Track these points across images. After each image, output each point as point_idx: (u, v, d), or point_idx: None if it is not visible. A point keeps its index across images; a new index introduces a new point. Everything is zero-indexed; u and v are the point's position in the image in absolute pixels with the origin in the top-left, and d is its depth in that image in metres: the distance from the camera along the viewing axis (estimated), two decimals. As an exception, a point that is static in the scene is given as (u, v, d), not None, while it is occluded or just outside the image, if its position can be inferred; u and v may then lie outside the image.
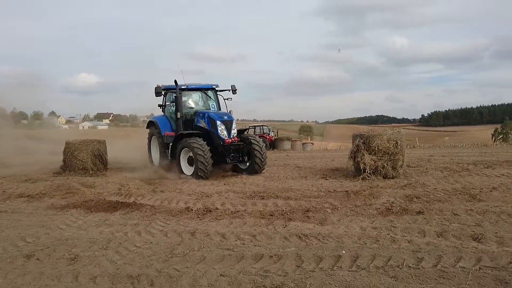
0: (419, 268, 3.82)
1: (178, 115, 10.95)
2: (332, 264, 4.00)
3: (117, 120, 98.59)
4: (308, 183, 9.11)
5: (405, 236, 4.86)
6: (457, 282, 3.47)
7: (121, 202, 7.48)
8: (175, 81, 11.08)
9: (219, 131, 10.50)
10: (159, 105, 12.14)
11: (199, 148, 9.86)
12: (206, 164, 9.88)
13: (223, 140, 10.46)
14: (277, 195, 7.71)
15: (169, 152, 10.98)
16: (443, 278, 3.57)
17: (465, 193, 7.30)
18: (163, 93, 11.48)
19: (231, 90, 11.99)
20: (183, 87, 11.27)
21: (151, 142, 12.24)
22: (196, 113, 11.32)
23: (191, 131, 10.88)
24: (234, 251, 4.48)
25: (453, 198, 7.02)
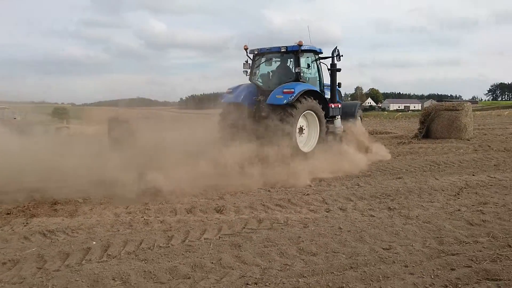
0: (168, 247, 4.01)
1: None
2: (80, 259, 3.74)
3: None
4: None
5: (158, 217, 5.02)
6: (200, 254, 3.81)
7: None
8: None
9: None
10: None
11: None
12: None
13: None
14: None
15: None
16: (189, 252, 3.86)
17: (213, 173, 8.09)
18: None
19: None
20: None
21: None
22: None
23: None
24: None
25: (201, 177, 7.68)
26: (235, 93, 9.39)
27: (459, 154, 9.63)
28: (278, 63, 9.99)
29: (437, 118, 12.37)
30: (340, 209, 5.27)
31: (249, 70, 9.75)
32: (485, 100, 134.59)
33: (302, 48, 9.13)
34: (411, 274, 3.25)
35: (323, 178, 7.22)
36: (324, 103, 9.43)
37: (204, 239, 4.22)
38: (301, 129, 8.86)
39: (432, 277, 3.19)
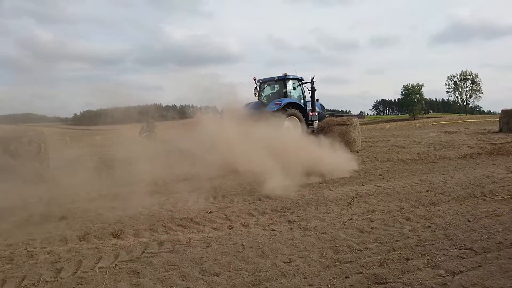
0: (57, 280, 3.62)
1: None
2: None
3: None
4: None
5: (44, 248, 4.52)
6: (94, 285, 3.50)
7: None
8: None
9: None
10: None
11: None
12: None
13: None
14: None
15: None
16: (81, 284, 3.52)
17: (108, 194, 7.62)
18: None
19: None
20: None
21: None
22: None
23: None
24: None
25: (98, 198, 7.19)
26: (248, 107, 14.77)
27: (350, 165, 10.43)
28: (274, 87, 15.50)
29: (330, 132, 13.31)
30: (243, 225, 5.31)
31: (257, 93, 15.71)
32: (370, 115, 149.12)
33: (288, 77, 14.76)
34: (310, 285, 3.37)
35: (225, 195, 7.24)
36: (304, 112, 14.60)
37: (99, 268, 3.89)
38: (288, 129, 13.34)
39: (329, 286, 3.35)
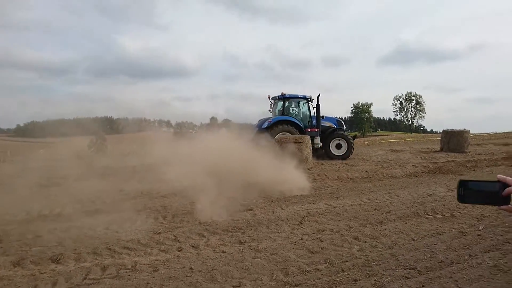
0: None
1: None
2: None
3: None
4: None
5: (-28, 276, 4.14)
6: (27, 317, 3.24)
7: None
8: None
9: None
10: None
11: None
12: None
13: None
14: None
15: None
16: (12, 317, 3.25)
17: (50, 214, 7.19)
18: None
19: None
20: None
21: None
22: None
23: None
24: None
25: (38, 218, 6.75)
26: (260, 122, 16.74)
27: (302, 183, 10.56)
28: (277, 105, 16.97)
29: (284, 149, 13.44)
30: (193, 246, 5.17)
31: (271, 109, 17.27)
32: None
33: (285, 96, 16.45)
34: (259, 311, 3.32)
35: (176, 214, 7.05)
36: (299, 128, 15.78)
37: (33, 297, 3.62)
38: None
39: (278, 311, 3.31)
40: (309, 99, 16.74)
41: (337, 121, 17.58)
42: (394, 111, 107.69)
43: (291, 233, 5.74)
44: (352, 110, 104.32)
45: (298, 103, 16.79)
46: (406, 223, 6.19)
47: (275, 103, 17.22)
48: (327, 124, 17.00)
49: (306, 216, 6.73)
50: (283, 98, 16.50)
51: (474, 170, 12.61)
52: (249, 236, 5.58)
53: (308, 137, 14.14)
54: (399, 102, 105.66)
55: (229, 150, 11.20)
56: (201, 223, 6.43)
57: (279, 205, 7.73)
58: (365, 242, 5.25)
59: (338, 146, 16.49)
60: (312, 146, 14.97)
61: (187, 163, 11.14)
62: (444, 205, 7.39)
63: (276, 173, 9.77)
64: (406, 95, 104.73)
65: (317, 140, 16.18)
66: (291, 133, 15.12)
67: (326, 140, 16.53)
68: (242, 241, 5.38)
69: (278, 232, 5.79)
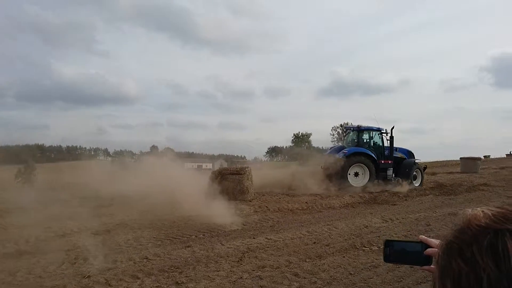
0: None
1: None
2: None
3: None
4: None
5: None
6: None
7: None
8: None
9: None
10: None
11: None
12: None
13: None
14: None
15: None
16: None
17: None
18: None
19: None
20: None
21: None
22: None
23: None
24: None
25: None
26: (331, 149, 18.10)
27: (243, 216, 10.47)
28: (350, 135, 17.80)
29: (224, 181, 13.34)
30: (125, 291, 4.84)
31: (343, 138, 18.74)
32: (264, 161, 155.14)
33: (361, 128, 16.96)
34: None
35: (109, 253, 6.61)
36: (373, 159, 15.95)
37: None
38: (356, 174, 15.87)
39: None
40: (384, 131, 16.89)
41: (408, 152, 17.85)
42: (332, 141, 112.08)
43: (231, 271, 5.59)
44: (292, 140, 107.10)
45: (372, 134, 17.14)
46: (344, 257, 6.29)
47: (347, 133, 18.00)
48: (399, 155, 17.17)
49: (246, 252, 6.62)
50: (358, 130, 16.95)
51: (405, 200, 13.31)
52: (186, 276, 5.35)
53: (249, 168, 14.17)
54: (336, 132, 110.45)
55: (164, 180, 10.88)
56: (136, 262, 6.08)
57: (219, 240, 7.55)
58: (304, 278, 5.23)
59: (414, 177, 16.76)
60: (385, 177, 16.06)
61: (123, 196, 10.65)
62: (379, 236, 7.64)
63: (217, 207, 9.62)
64: (343, 125, 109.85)
65: (390, 171, 16.32)
66: (366, 165, 15.74)
67: (406, 170, 16.54)
68: (179, 282, 5.14)
69: (217, 271, 5.61)
